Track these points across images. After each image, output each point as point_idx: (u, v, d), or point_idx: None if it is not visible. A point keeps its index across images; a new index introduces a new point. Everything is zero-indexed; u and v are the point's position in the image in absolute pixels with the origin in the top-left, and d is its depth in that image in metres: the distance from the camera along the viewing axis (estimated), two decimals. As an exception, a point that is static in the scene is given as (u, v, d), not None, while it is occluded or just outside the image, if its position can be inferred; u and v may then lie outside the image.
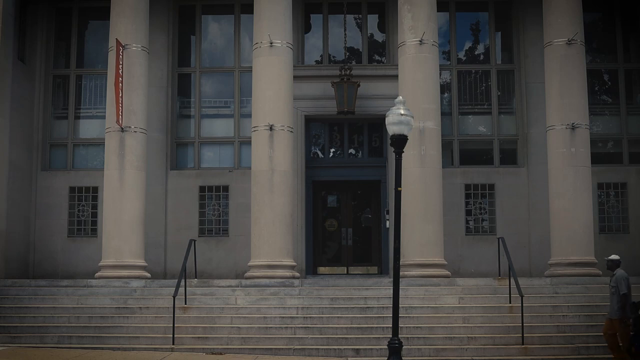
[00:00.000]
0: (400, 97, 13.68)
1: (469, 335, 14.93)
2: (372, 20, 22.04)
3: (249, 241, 18.20)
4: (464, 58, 21.97)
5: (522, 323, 14.82)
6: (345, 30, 21.47)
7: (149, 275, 18.33)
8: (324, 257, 21.86)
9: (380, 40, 22.01)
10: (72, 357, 13.88)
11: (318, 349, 14.65)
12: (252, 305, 16.32)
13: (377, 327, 15.25)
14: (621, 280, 13.20)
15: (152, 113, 20.23)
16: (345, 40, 21.46)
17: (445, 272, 17.68)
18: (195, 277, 18.28)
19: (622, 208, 20.97)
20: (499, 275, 17.81)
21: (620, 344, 13.28)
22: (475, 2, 22.01)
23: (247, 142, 20.48)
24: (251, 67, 18.96)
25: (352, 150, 21.88)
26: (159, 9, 21.20)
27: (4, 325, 15.90)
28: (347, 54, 21.41)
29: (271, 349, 14.70)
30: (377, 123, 21.01)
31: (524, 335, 14.76)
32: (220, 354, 14.51)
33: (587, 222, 17.92)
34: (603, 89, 21.98)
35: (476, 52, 22.09)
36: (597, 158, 20.07)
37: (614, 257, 13.69)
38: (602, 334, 13.82)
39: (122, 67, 18.22)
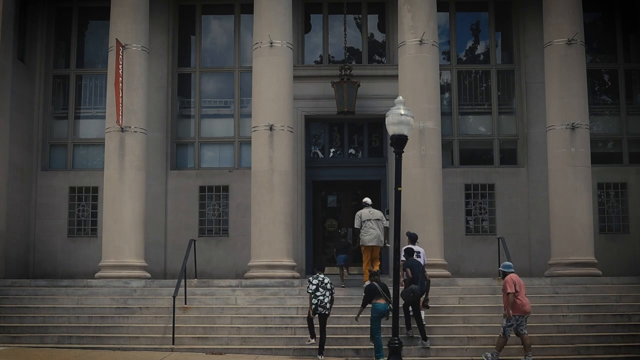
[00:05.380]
0: (400, 97, 13.71)
1: (469, 336, 14.93)
2: (372, 20, 22.04)
3: (249, 241, 18.20)
4: (464, 58, 21.97)
5: (522, 323, 14.81)
6: (345, 30, 21.47)
7: (149, 275, 18.33)
8: (324, 257, 21.84)
9: (380, 40, 22.01)
10: (72, 357, 13.88)
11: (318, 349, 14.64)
12: (252, 305, 16.32)
13: (377, 327, 15.25)
14: None
15: (152, 113, 20.25)
16: (345, 40, 21.46)
17: (446, 272, 17.67)
18: (195, 277, 18.28)
19: (622, 208, 20.97)
20: (499, 275, 17.80)
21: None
22: (475, 2, 22.01)
23: (247, 142, 20.49)
24: (251, 67, 18.96)
25: (352, 150, 21.88)
26: (159, 8, 21.21)
27: (4, 325, 15.90)
28: (347, 54, 21.42)
29: (271, 349, 14.71)
30: (377, 123, 21.01)
31: (524, 335, 14.75)
32: (220, 354, 14.51)
33: (587, 222, 17.92)
34: (603, 89, 21.99)
35: (476, 52, 22.09)
36: (597, 158, 20.07)
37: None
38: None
39: (122, 67, 18.22)
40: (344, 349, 14.62)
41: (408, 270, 14.70)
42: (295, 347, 14.75)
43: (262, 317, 15.79)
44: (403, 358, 13.18)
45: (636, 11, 21.79)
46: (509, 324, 13.66)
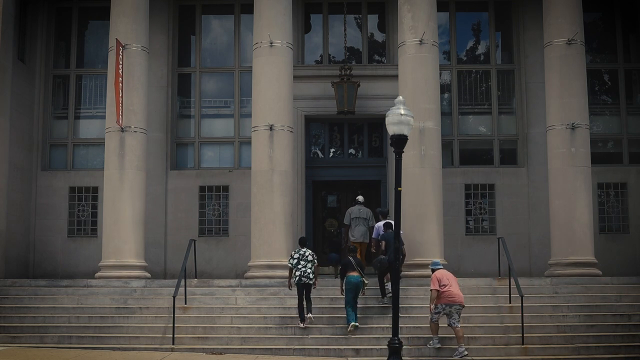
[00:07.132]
0: (400, 97, 13.71)
1: (469, 335, 14.92)
2: (372, 20, 22.04)
3: (249, 241, 18.20)
4: (464, 58, 21.97)
5: (522, 323, 14.82)
6: (345, 30, 21.47)
7: (149, 275, 18.33)
8: (324, 257, 21.81)
9: (380, 40, 22.01)
10: (72, 357, 13.88)
11: (318, 349, 14.66)
12: (252, 305, 16.33)
13: (377, 327, 15.26)
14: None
15: (152, 113, 20.25)
16: (345, 40, 21.46)
17: (445, 272, 17.65)
18: (195, 277, 18.28)
19: (622, 208, 20.96)
20: (499, 275, 17.83)
21: None
22: (475, 2, 22.01)
23: (247, 142, 20.49)
24: (251, 67, 18.96)
25: (352, 150, 21.88)
26: (159, 8, 21.21)
27: (4, 325, 15.91)
28: (347, 53, 21.42)
29: (271, 349, 14.71)
30: (377, 123, 21.01)
31: (524, 335, 14.77)
32: (220, 354, 14.51)
33: (587, 222, 17.91)
34: (603, 89, 21.98)
35: (476, 52, 22.09)
36: (597, 158, 20.06)
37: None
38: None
39: (122, 67, 18.22)
40: (344, 349, 14.61)
41: (383, 242, 16.10)
42: (295, 347, 14.75)
43: (262, 317, 15.80)
44: (403, 358, 13.17)
45: (636, 11, 21.79)
46: (436, 311, 14.32)
